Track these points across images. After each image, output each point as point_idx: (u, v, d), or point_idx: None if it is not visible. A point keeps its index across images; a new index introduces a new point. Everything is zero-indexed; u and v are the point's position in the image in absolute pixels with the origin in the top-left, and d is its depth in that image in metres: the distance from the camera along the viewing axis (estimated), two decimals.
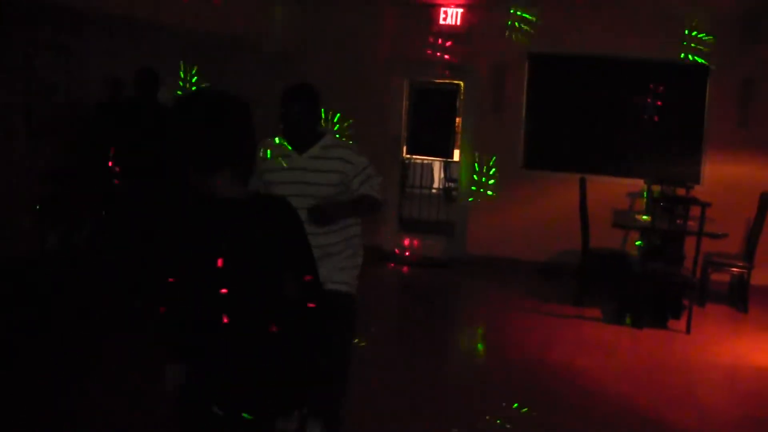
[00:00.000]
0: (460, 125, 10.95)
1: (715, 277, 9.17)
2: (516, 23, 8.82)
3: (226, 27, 9.08)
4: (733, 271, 9.02)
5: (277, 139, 4.54)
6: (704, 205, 7.80)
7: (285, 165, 4.45)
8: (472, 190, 9.85)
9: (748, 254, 8.87)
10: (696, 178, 10.00)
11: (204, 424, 3.00)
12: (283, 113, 4.38)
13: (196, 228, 2.95)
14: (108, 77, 8.91)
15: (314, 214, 4.16)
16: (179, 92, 3.43)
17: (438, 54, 10.27)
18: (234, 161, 2.88)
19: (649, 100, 9.98)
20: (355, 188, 4.49)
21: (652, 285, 8.19)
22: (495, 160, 9.50)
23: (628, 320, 8.16)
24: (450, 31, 10.41)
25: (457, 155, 10.94)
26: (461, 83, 10.91)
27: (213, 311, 2.87)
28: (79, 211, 8.36)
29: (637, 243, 8.90)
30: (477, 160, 9.80)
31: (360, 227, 4.72)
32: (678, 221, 8.15)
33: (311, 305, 3.01)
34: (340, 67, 10.49)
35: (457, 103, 11.12)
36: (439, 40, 10.34)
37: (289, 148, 4.49)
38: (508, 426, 5.50)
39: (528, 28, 8.76)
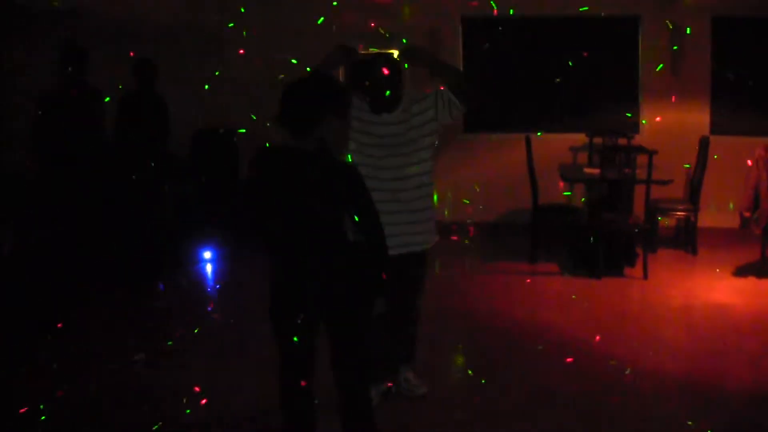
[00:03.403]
0: None
1: (661, 222, 9.38)
2: None
3: None
4: (680, 215, 9.22)
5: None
6: (651, 153, 7.93)
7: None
8: None
9: (693, 197, 9.07)
10: (635, 128, 10.18)
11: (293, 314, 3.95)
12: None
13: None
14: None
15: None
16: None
17: (372, 24, 10.22)
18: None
19: (585, 54, 10.08)
20: (448, 109, 4.88)
21: (605, 235, 8.30)
22: None
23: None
24: (382, 1, 10.38)
25: None
26: (395, 51, 10.84)
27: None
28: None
29: (583, 200, 9.11)
30: None
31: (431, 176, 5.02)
32: (626, 170, 8.27)
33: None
34: (274, 44, 10.35)
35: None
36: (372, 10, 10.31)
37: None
38: (483, 380, 5.59)
39: None
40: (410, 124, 4.84)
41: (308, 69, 4.36)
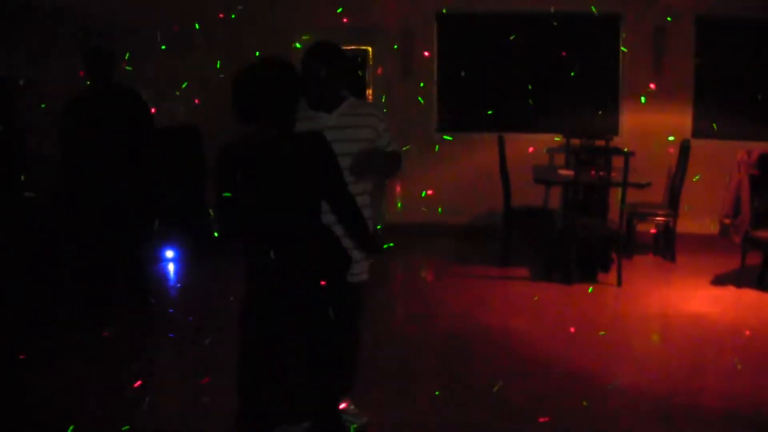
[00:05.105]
0: (371, 93, 10.60)
1: (639, 227, 9.04)
2: None
3: None
4: (659, 220, 8.85)
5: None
6: (627, 155, 7.57)
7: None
8: None
9: (672, 203, 8.73)
10: (614, 130, 9.89)
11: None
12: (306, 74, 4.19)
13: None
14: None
15: (361, 158, 4.23)
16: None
17: (345, 20, 9.88)
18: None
19: (563, 53, 9.77)
20: (383, 145, 4.46)
21: (579, 239, 7.96)
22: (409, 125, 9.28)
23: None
24: None
25: None
26: (369, 49, 10.54)
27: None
28: None
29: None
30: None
31: (369, 197, 4.59)
32: (601, 173, 7.94)
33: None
34: (234, 38, 9.96)
35: (366, 70, 10.74)
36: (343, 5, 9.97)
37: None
38: (447, 391, 5.24)
39: None
40: (346, 133, 4.33)
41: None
